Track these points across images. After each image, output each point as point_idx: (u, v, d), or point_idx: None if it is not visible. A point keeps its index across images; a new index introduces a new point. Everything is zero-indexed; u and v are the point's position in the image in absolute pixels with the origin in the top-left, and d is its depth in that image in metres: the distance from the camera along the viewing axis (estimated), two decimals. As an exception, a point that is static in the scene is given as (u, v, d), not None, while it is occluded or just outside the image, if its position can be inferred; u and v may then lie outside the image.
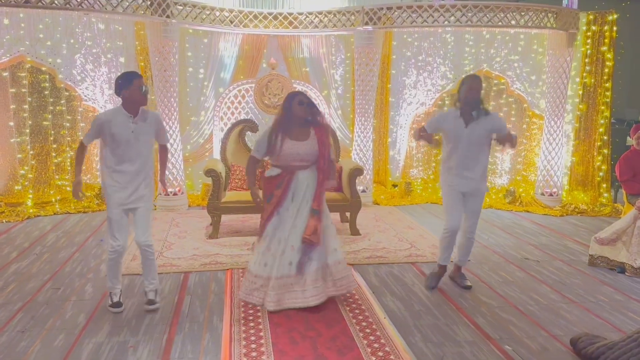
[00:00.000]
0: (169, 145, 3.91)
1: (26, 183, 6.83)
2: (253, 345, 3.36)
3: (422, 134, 4.28)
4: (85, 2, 5.96)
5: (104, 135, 3.68)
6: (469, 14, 6.79)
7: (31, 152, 6.87)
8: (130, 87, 3.62)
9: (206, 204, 5.80)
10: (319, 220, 3.89)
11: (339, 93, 8.02)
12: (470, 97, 4.07)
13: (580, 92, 7.61)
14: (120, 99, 3.71)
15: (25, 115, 6.74)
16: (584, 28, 7.43)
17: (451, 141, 4.18)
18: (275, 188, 3.95)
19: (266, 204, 4.01)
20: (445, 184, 4.30)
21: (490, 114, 4.19)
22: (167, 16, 6.51)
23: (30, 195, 6.83)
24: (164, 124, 3.83)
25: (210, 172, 5.65)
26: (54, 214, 6.69)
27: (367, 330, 3.58)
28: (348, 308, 3.93)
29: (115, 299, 3.87)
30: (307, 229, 3.85)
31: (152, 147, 3.88)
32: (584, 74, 7.54)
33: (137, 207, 3.79)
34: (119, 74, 3.92)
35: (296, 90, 4.18)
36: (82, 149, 3.81)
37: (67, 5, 5.90)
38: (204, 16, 6.93)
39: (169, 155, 3.88)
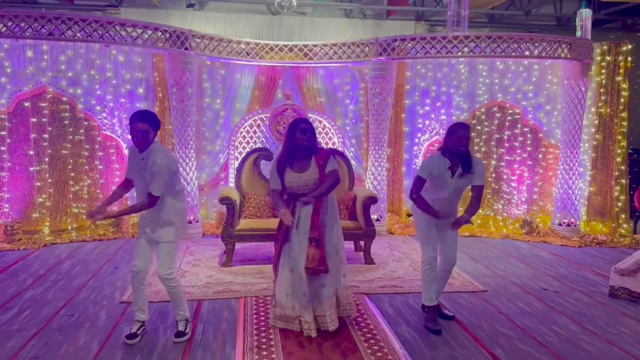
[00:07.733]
0: (156, 193, 3.57)
1: (44, 211, 6.92)
2: (266, 375, 3.30)
3: (424, 205, 4.08)
4: (107, 34, 6.15)
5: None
6: (482, 45, 6.85)
7: (49, 180, 6.97)
8: (131, 128, 3.60)
9: (220, 232, 5.81)
10: (318, 247, 3.82)
11: (353, 122, 8.08)
12: (460, 148, 3.97)
13: (596, 122, 7.57)
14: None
15: (45, 144, 6.88)
16: (598, 58, 7.44)
17: (436, 186, 4.10)
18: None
19: (278, 232, 4.07)
20: (420, 214, 4.16)
21: (476, 165, 4.04)
22: (186, 48, 6.67)
23: (47, 223, 6.90)
24: (162, 172, 3.57)
25: (225, 200, 5.68)
26: (70, 241, 6.74)
27: (382, 361, 3.51)
28: (363, 338, 3.87)
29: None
30: (306, 259, 3.81)
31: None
32: (600, 104, 7.52)
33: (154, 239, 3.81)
34: (139, 105, 3.93)
35: (297, 117, 4.22)
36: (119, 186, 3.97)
37: (89, 38, 6.08)
38: (222, 48, 7.08)
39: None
